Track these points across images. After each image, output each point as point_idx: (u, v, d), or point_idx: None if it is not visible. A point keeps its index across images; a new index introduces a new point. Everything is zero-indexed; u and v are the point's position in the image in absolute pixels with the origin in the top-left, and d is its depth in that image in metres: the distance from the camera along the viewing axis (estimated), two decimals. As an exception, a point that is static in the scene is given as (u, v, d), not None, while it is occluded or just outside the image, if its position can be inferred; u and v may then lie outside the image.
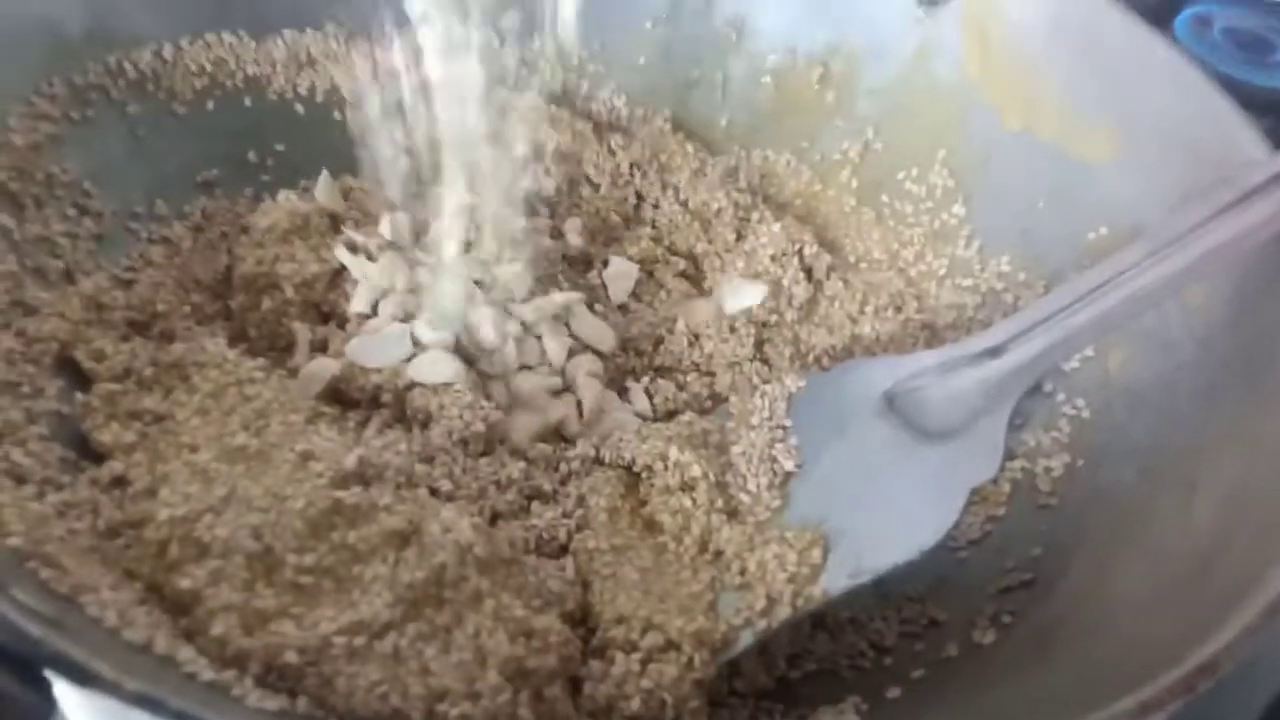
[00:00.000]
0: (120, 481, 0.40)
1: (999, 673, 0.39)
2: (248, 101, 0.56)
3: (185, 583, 0.35)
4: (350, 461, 0.40)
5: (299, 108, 0.58)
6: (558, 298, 0.51)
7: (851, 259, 0.59)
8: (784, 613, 0.39)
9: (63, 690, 0.29)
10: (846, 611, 0.44)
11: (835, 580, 0.39)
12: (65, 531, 0.36)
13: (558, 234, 0.56)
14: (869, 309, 0.55)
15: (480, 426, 0.45)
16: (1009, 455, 0.47)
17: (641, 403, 0.50)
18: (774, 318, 0.55)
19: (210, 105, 0.55)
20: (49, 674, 0.28)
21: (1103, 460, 0.46)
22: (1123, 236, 0.49)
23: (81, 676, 0.26)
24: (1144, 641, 0.35)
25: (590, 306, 0.53)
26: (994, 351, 0.45)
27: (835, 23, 0.60)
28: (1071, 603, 0.40)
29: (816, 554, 0.40)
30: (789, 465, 0.44)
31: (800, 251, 0.57)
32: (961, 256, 0.55)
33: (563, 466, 0.46)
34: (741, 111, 0.63)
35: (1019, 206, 0.54)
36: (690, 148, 0.62)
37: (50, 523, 0.36)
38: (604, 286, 0.56)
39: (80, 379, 0.44)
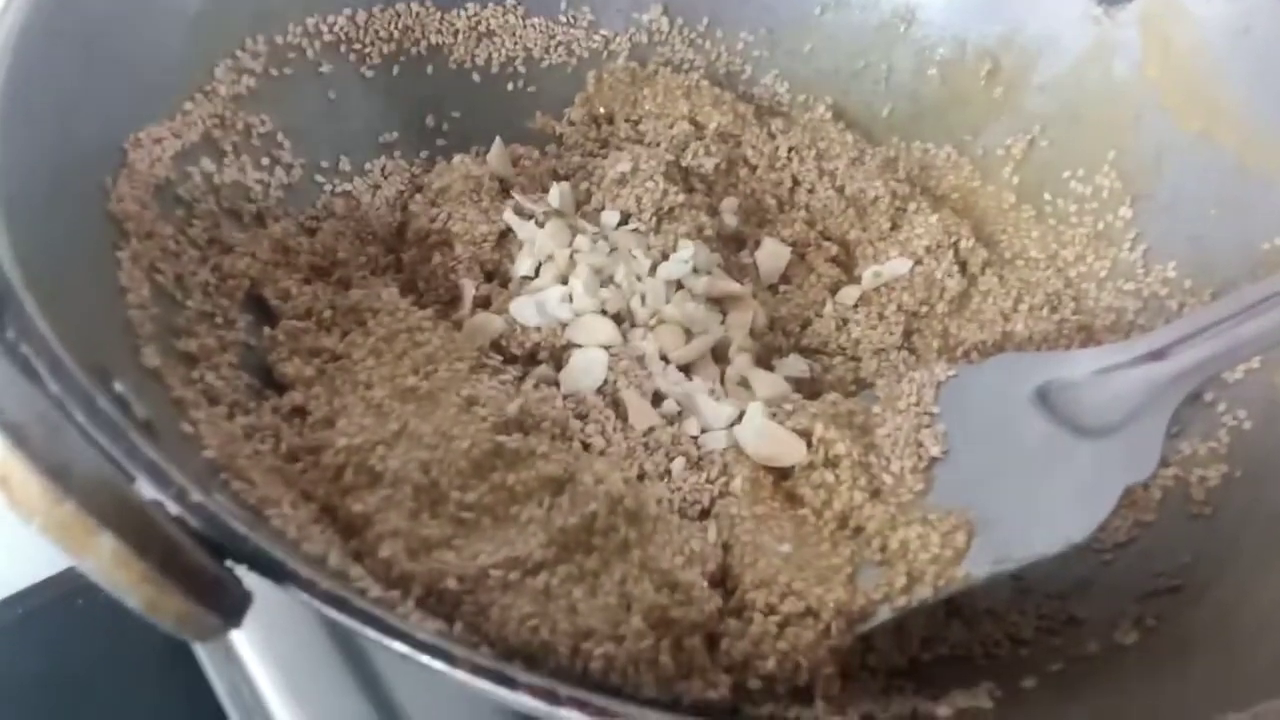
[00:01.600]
0: (300, 411, 0.43)
1: (1139, 673, 0.38)
2: (429, 69, 0.59)
3: (358, 507, 0.38)
4: (512, 409, 0.42)
5: (476, 77, 0.60)
6: (727, 285, 0.52)
7: (1008, 255, 0.58)
8: (925, 592, 0.39)
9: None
10: (984, 603, 0.44)
11: (978, 565, 0.39)
12: (251, 451, 0.39)
13: (713, 212, 0.57)
14: (1023, 307, 0.55)
15: (633, 392, 0.47)
16: (1162, 463, 0.46)
17: (800, 369, 0.51)
18: (924, 309, 0.55)
19: (395, 70, 0.58)
20: (243, 569, 0.30)
21: (1263, 473, 0.44)
22: (1300, 249, 0.48)
23: (280, 573, 0.29)
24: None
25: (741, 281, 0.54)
26: (1157, 354, 0.44)
27: (1008, 17, 0.60)
28: (1220, 612, 0.39)
29: (961, 538, 0.40)
30: (935, 451, 0.44)
31: (956, 244, 0.56)
32: (1125, 259, 0.54)
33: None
34: (904, 102, 0.63)
35: (1190, 212, 0.53)
36: (850, 137, 0.62)
37: (239, 442, 0.39)
38: (755, 266, 0.57)
39: (267, 315, 0.47)
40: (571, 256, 0.52)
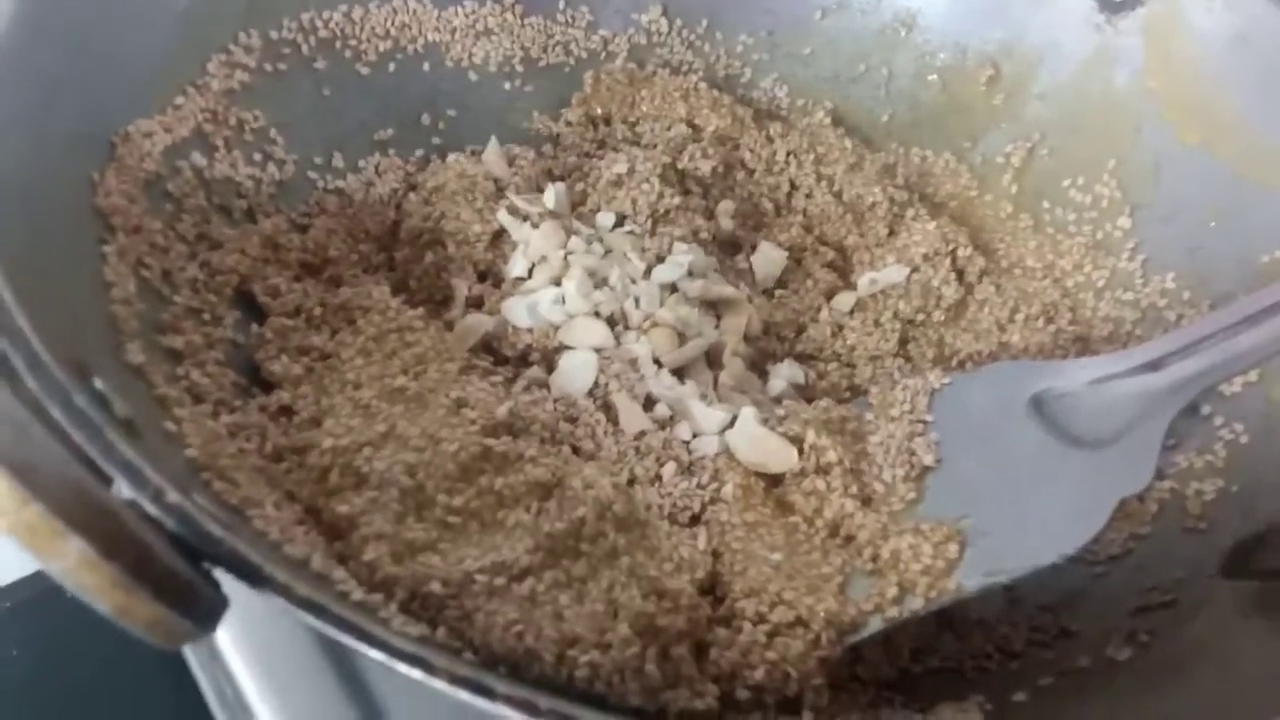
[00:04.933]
0: (286, 410, 0.42)
1: (1133, 689, 0.38)
2: (426, 67, 0.58)
3: (343, 508, 0.37)
4: (502, 412, 0.42)
5: (473, 76, 0.60)
6: (722, 289, 0.52)
7: (1005, 264, 0.58)
8: (916, 604, 0.38)
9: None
10: (975, 613, 0.44)
11: (971, 577, 0.39)
12: (235, 450, 0.38)
13: (709, 215, 0.57)
14: (1019, 317, 0.54)
15: (624, 395, 0.46)
16: (1158, 475, 0.46)
17: (794, 375, 0.51)
18: (921, 317, 0.55)
19: (391, 67, 0.57)
20: (220, 572, 0.29)
21: (1259, 488, 0.44)
22: (1300, 262, 0.47)
23: (256, 578, 0.28)
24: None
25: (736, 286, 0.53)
26: (1153, 365, 0.44)
27: (1010, 24, 0.59)
28: (1216, 629, 0.39)
29: (953, 549, 0.39)
30: (928, 460, 0.43)
31: (953, 252, 0.56)
32: (1123, 269, 0.54)
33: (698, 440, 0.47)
34: (904, 108, 0.62)
35: (1189, 223, 0.52)
36: (848, 142, 0.61)
37: (223, 440, 0.38)
38: (751, 270, 0.56)
39: (255, 312, 0.46)
40: (565, 258, 0.51)
